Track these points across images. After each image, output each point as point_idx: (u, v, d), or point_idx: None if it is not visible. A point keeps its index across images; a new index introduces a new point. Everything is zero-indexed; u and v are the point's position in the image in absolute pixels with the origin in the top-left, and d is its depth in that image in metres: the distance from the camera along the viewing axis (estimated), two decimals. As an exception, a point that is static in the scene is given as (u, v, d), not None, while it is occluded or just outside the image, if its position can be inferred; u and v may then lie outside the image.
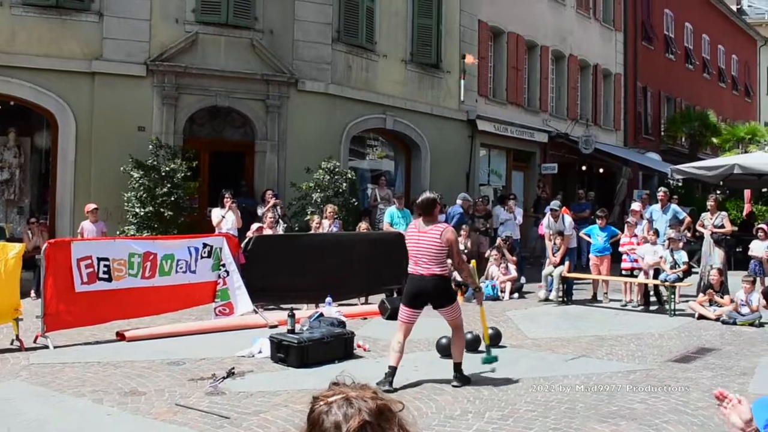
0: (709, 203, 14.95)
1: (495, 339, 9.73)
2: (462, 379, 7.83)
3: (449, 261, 8.04)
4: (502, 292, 14.76)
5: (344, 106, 17.75)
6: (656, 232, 14.22)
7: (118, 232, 13.82)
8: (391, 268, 13.71)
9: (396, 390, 7.47)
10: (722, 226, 14.37)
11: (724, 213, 15.17)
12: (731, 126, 34.19)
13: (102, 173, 14.89)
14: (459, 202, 16.41)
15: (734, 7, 44.88)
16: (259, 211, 14.98)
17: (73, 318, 9.73)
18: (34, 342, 9.30)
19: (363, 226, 14.78)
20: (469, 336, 9.49)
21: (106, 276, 10.01)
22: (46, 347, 9.16)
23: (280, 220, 14.78)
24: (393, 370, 7.70)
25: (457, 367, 7.91)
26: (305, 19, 17.00)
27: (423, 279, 7.71)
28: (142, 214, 14.16)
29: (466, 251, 15.42)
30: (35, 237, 13.96)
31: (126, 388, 7.40)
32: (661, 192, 15.66)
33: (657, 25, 32.80)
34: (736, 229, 18.50)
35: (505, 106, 23.10)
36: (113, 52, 15.28)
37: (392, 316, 11.86)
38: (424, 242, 7.71)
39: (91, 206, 13.66)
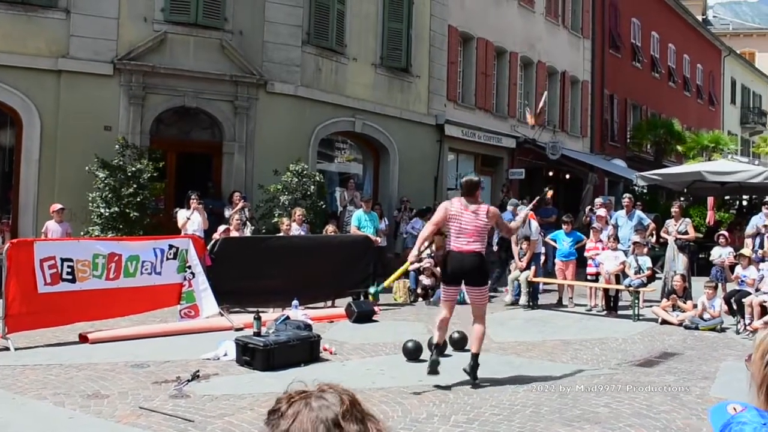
0: (674, 210, 15.15)
1: (460, 342, 9.74)
2: (475, 371, 8.00)
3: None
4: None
5: (313, 108, 17.71)
6: (616, 239, 14.37)
7: (82, 233, 13.65)
8: (358, 271, 13.73)
9: (438, 368, 7.88)
10: (686, 233, 14.56)
11: (687, 219, 15.38)
12: (695, 134, 34.65)
13: (67, 173, 14.70)
14: (510, 208, 16.49)
15: (700, 18, 45.50)
16: (227, 213, 14.89)
17: (35, 319, 9.59)
18: (-5, 343, 9.18)
19: (330, 228, 14.76)
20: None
21: (70, 277, 9.89)
22: (7, 349, 9.01)
23: (248, 223, 14.71)
24: (437, 346, 8.07)
25: (475, 357, 8.05)
26: (275, 21, 16.95)
27: (463, 255, 7.97)
28: (107, 214, 14.01)
29: (432, 255, 15.48)
30: (-3, 236, 13.77)
31: (89, 390, 7.32)
32: (626, 198, 15.82)
33: (624, 34, 33.15)
34: (701, 236, 18.74)
35: (474, 111, 23.20)
36: (80, 50, 15.12)
37: (359, 319, 11.90)
38: (468, 220, 7.99)
39: (57, 206, 13.51)
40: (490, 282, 8.81)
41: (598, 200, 18.50)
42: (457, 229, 8.07)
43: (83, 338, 9.67)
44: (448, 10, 21.91)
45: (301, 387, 1.82)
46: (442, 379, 8.06)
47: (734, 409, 2.34)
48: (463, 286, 8.30)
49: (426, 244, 8.90)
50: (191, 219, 13.68)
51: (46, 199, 14.42)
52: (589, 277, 14.60)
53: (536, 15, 26.61)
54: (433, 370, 7.88)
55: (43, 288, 9.62)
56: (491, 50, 24.07)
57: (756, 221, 15.14)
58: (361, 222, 14.84)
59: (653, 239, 16.14)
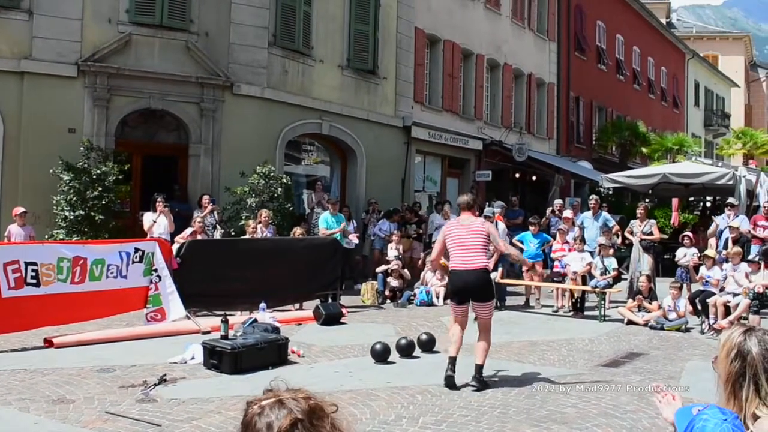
0: (639, 211, 15.30)
1: (429, 344, 9.79)
2: (481, 382, 7.97)
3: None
4: (436, 297, 14.83)
5: (280, 110, 17.65)
6: (582, 240, 14.49)
7: (47, 236, 13.49)
8: (326, 273, 13.70)
9: (454, 382, 7.91)
10: (651, 233, 14.71)
11: (652, 221, 15.55)
12: (660, 136, 35.06)
13: (31, 175, 14.53)
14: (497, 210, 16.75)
15: (664, 21, 46.03)
16: (196, 216, 14.73)
17: (-1, 324, 9.48)
18: (-42, 349, 9.04)
19: (298, 231, 14.71)
20: (403, 341, 9.53)
21: (34, 281, 9.77)
22: (-30, 354, 8.91)
23: (218, 226, 14.63)
24: (453, 360, 7.98)
25: (479, 369, 8.05)
26: (241, 23, 16.87)
27: (469, 272, 8.03)
28: (72, 217, 13.86)
29: (399, 257, 15.52)
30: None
31: (54, 395, 7.23)
32: (593, 200, 15.97)
33: (590, 37, 33.45)
34: (666, 237, 18.94)
35: (441, 113, 23.27)
36: (43, 51, 14.93)
37: (327, 321, 11.88)
38: (469, 235, 8.10)
39: (20, 210, 13.33)
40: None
41: (558, 202, 18.65)
42: (458, 246, 8.15)
43: (48, 343, 9.57)
44: (415, 13, 21.96)
45: (270, 393, 1.91)
46: (412, 380, 8.09)
47: (698, 411, 2.40)
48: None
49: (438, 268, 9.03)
50: (157, 222, 13.58)
51: (10, 203, 14.23)
52: (555, 279, 14.69)
53: (502, 17, 26.76)
54: (450, 384, 7.87)
55: (7, 292, 9.50)
56: (458, 52, 24.17)
57: (719, 222, 15.35)
58: (328, 224, 14.82)
59: (619, 240, 16.29)
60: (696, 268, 14.11)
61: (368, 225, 18.12)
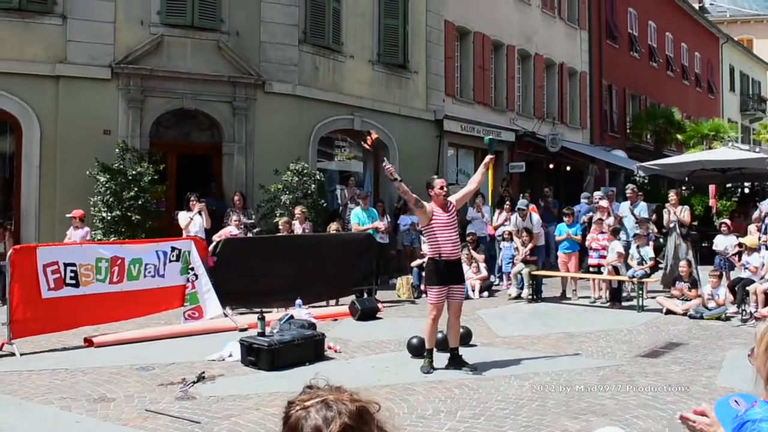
0: (671, 197, 15.06)
1: (465, 337, 9.74)
2: (457, 362, 8.40)
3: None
4: (472, 290, 14.78)
5: (312, 107, 17.70)
6: (615, 231, 14.36)
7: (84, 237, 13.68)
8: (361, 268, 13.73)
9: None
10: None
11: (686, 207, 15.32)
12: (695, 123, 34.58)
13: (68, 178, 14.71)
14: (584, 201, 17.36)
15: (696, 6, 45.41)
16: (231, 217, 14.75)
17: (39, 325, 9.61)
18: (0, 350, 9.17)
19: (333, 227, 14.74)
20: (439, 335, 9.48)
21: (74, 281, 9.90)
22: (13, 355, 9.02)
23: (249, 228, 14.67)
24: (431, 351, 8.55)
25: (454, 351, 8.50)
26: (271, 21, 16.94)
27: (455, 262, 8.52)
28: (109, 218, 14.03)
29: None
30: (1, 242, 13.76)
31: (95, 394, 7.32)
32: (629, 190, 15.83)
33: (621, 24, 33.11)
34: (695, 223, 18.70)
35: (472, 106, 23.17)
36: (77, 55, 15.12)
37: (363, 316, 11.90)
38: (453, 223, 8.57)
39: (77, 212, 13.49)
40: None
41: (598, 193, 18.46)
42: (446, 235, 8.46)
43: (88, 342, 9.69)
44: (444, 5, 21.89)
45: (311, 391, 1.87)
46: (449, 374, 8.09)
47: (736, 402, 2.26)
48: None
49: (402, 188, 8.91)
50: (193, 220, 13.72)
51: (48, 205, 14.46)
52: (591, 269, 14.58)
53: (532, 7, 26.58)
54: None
55: (47, 293, 9.63)
56: (488, 44, 24.05)
57: (764, 206, 15.05)
58: (359, 219, 14.82)
59: (655, 229, 16.11)
60: (737, 256, 13.89)
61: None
